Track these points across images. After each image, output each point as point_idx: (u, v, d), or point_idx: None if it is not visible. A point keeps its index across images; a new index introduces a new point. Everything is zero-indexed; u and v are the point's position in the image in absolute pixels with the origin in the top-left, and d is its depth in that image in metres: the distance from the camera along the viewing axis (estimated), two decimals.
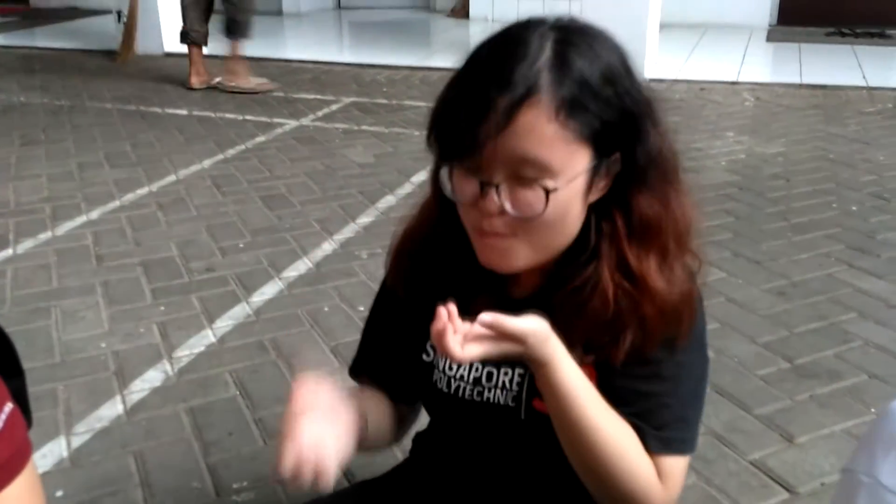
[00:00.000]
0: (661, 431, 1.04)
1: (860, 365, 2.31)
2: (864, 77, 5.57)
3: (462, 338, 0.90)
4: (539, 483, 1.17)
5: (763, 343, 2.42)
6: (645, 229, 0.98)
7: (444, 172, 0.97)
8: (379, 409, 1.22)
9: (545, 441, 1.05)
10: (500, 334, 0.91)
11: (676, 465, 1.05)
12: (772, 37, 7.11)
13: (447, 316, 0.90)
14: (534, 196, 0.92)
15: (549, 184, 0.91)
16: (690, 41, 6.87)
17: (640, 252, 0.99)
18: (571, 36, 0.93)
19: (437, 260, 1.11)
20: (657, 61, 5.82)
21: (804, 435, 2.02)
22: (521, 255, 0.98)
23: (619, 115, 0.93)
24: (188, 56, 5.88)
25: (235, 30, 5.69)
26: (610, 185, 0.98)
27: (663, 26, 6.18)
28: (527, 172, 0.91)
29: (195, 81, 5.86)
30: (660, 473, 1.04)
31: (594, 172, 0.94)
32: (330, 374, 1.00)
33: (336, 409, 0.97)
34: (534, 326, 0.93)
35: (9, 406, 0.94)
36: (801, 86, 5.42)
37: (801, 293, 2.73)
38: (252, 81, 5.79)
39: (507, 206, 0.93)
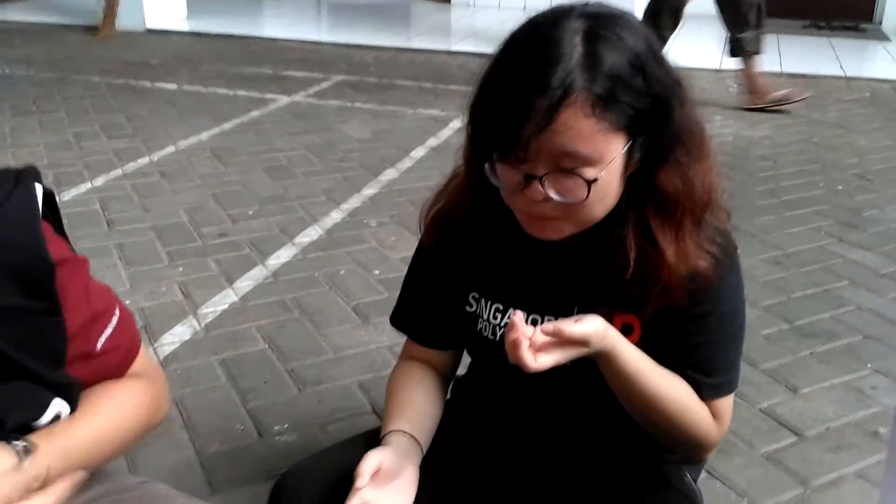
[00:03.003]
0: (712, 378, 1.15)
1: (855, 326, 2.45)
2: (841, 67, 5.77)
3: (531, 347, 0.99)
4: (580, 424, 1.26)
5: (764, 307, 2.56)
6: (664, 203, 1.07)
7: (488, 166, 1.04)
8: (430, 401, 1.28)
9: (589, 385, 1.14)
10: (565, 340, 1.01)
11: (726, 403, 1.18)
12: None
13: (520, 326, 0.99)
14: (576, 184, 1.00)
15: (590, 172, 0.99)
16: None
17: (661, 222, 1.08)
18: (599, 28, 1.00)
19: (477, 228, 1.19)
20: None
21: (807, 387, 2.16)
22: (566, 229, 1.07)
23: (650, 102, 1.01)
24: (744, 70, 4.90)
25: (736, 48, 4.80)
26: (641, 158, 1.06)
27: None
28: (568, 164, 0.99)
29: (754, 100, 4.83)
30: (714, 414, 1.17)
31: (629, 153, 1.03)
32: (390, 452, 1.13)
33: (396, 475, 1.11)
34: (593, 327, 1.03)
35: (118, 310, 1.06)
36: (781, 74, 5.58)
37: (796, 263, 2.87)
38: (776, 94, 4.83)
39: (553, 195, 1.01)
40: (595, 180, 1.00)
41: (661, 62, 1.04)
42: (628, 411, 1.16)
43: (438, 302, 1.29)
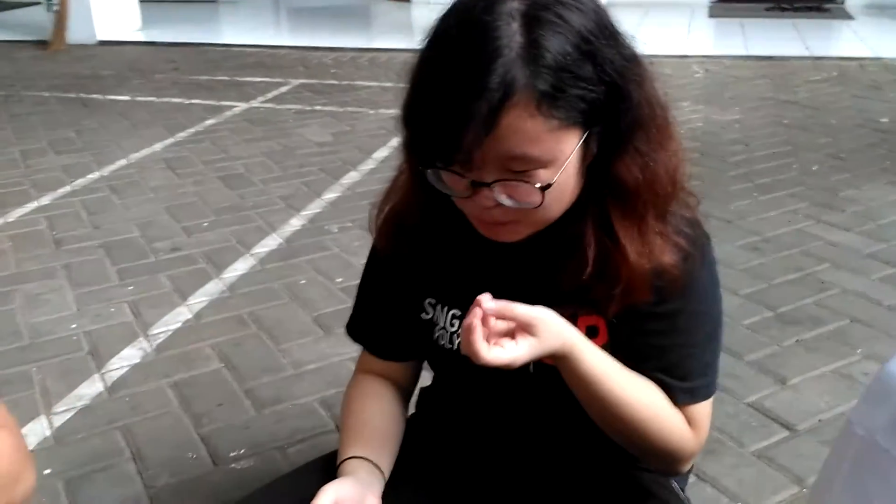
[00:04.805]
0: (685, 382, 1.04)
1: (841, 310, 2.35)
2: (806, 47, 5.72)
3: (487, 336, 0.89)
4: (549, 434, 1.15)
5: (745, 295, 2.45)
6: (624, 195, 0.96)
7: (430, 173, 0.92)
8: (390, 419, 1.18)
9: (555, 393, 1.03)
10: (517, 325, 0.90)
11: (704, 409, 1.06)
12: (713, 12, 7.25)
13: (480, 313, 0.87)
14: (528, 189, 0.89)
15: (543, 174, 0.88)
16: (635, 19, 6.94)
17: (622, 215, 0.97)
18: (539, 10, 0.87)
19: (429, 228, 1.07)
20: None
21: (796, 377, 2.05)
22: (523, 231, 0.96)
23: (604, 91, 0.88)
24: None
25: None
26: (599, 147, 0.94)
27: (609, 5, 6.25)
28: (517, 167, 0.88)
29: None
30: (690, 422, 1.05)
31: (586, 145, 0.91)
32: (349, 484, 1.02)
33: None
34: (542, 314, 0.91)
35: None
36: (747, 57, 5.53)
37: (774, 248, 2.77)
38: None
39: (504, 200, 0.90)
40: (548, 185, 0.88)
41: (613, 40, 0.90)
42: (594, 420, 1.04)
43: (394, 310, 1.18)
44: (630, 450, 1.07)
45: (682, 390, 1.04)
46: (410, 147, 0.96)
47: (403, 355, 1.22)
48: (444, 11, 0.91)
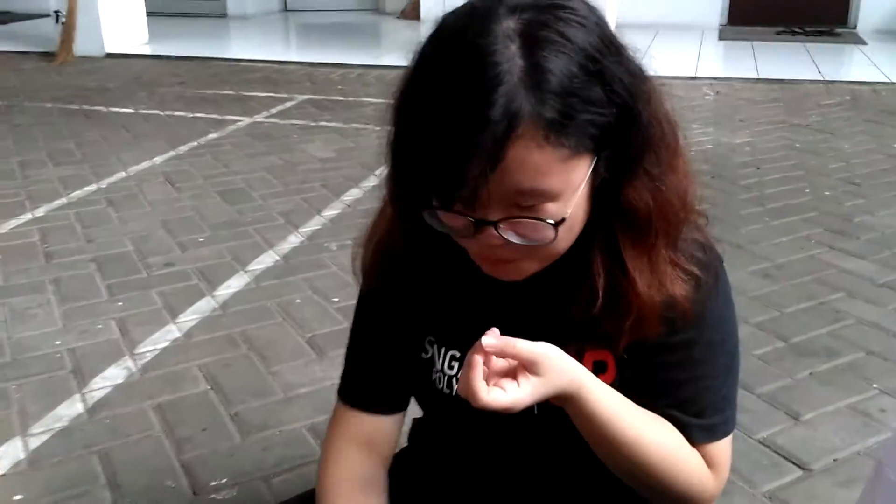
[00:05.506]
0: (703, 419, 0.96)
1: (856, 342, 2.25)
2: (819, 71, 5.65)
3: (487, 374, 0.82)
4: (555, 477, 1.06)
5: (756, 323, 2.35)
6: (634, 223, 0.88)
7: (427, 214, 0.84)
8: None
9: (561, 435, 0.95)
10: (519, 364, 0.83)
11: (723, 447, 0.98)
12: (724, 35, 7.20)
13: (484, 352, 0.81)
14: (538, 225, 0.81)
15: (552, 207, 0.80)
16: (645, 40, 6.89)
17: (632, 243, 0.89)
18: (538, 27, 0.79)
19: (422, 265, 0.99)
20: None
21: (810, 412, 1.95)
22: (532, 268, 0.89)
23: (613, 111, 0.81)
24: None
25: None
26: (607, 170, 0.86)
27: (617, 27, 6.21)
28: (525, 201, 0.80)
29: None
30: (709, 462, 0.97)
31: (595, 171, 0.83)
32: None
33: None
34: (546, 351, 0.84)
35: None
36: (758, 80, 5.46)
37: (787, 275, 2.68)
38: None
39: (513, 238, 0.82)
40: (561, 220, 0.80)
41: (619, 56, 0.82)
42: (604, 462, 0.96)
43: (392, 353, 1.07)
44: (644, 494, 0.99)
45: (700, 428, 0.95)
46: (402, 187, 0.86)
47: (396, 405, 1.10)
48: (430, 34, 0.82)
